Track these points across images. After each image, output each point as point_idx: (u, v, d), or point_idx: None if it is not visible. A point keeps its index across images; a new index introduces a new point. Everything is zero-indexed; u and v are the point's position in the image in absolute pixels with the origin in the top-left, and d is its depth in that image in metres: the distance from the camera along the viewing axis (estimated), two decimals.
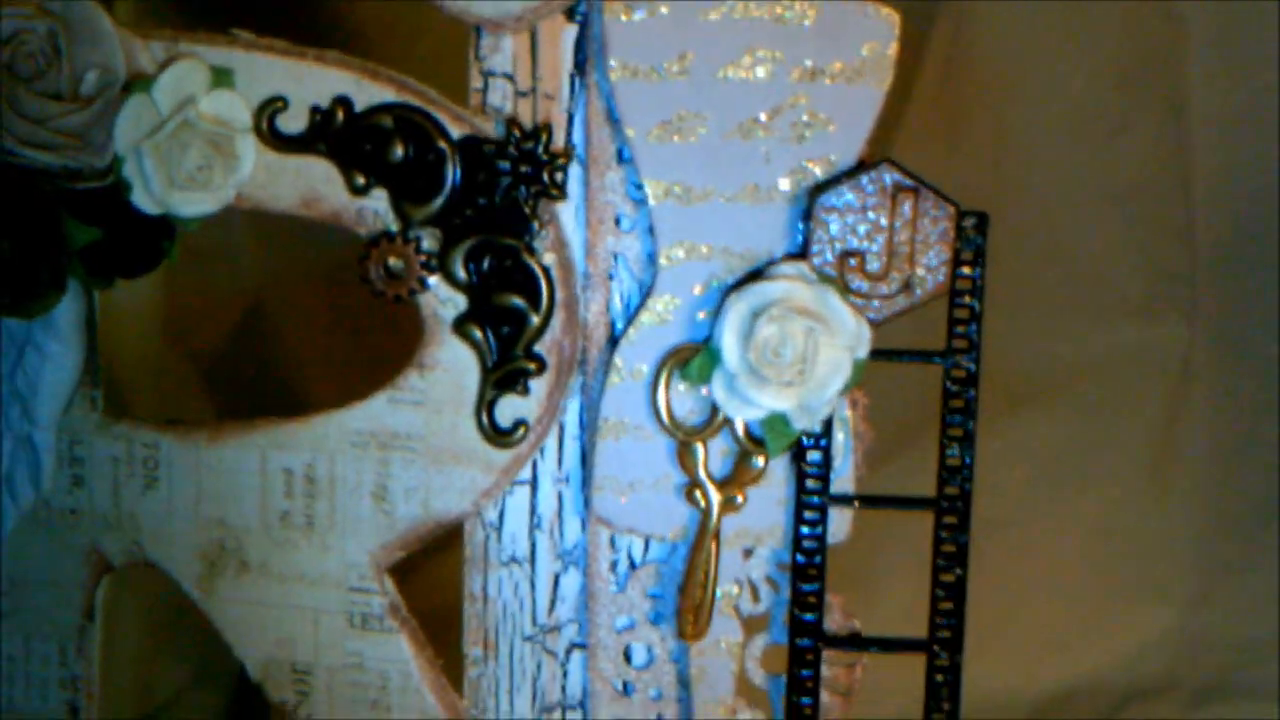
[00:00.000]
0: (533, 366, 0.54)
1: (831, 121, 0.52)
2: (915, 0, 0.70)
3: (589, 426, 0.55)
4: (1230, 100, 0.87)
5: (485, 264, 0.54)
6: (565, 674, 0.58)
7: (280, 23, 0.56)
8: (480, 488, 0.56)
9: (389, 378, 0.56)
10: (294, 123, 0.54)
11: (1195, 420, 0.91)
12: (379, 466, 0.56)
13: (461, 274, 0.54)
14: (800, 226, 0.52)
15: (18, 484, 0.58)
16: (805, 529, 0.53)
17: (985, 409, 0.56)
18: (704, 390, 0.53)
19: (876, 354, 0.52)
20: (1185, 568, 0.91)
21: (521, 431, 0.55)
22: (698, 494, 0.53)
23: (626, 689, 0.57)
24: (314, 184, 0.54)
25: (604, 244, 0.54)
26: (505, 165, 0.53)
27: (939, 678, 0.54)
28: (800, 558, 0.54)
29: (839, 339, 0.50)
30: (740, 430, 0.53)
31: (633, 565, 0.56)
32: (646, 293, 0.53)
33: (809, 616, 0.54)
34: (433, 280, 0.54)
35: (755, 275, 0.52)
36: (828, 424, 0.53)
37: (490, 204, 0.53)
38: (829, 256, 0.52)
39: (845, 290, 0.51)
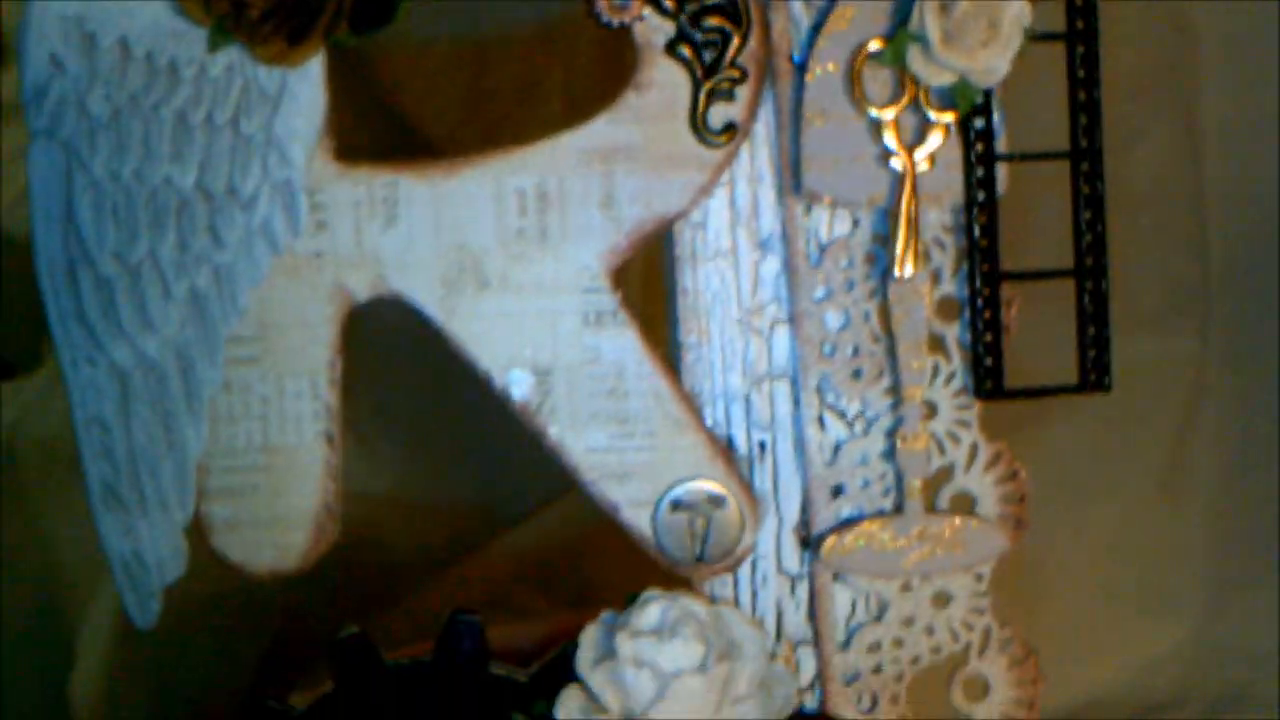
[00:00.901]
0: (737, 74, 0.64)
1: None
2: None
3: (793, 117, 0.65)
4: (1242, 112, 0.89)
5: None
6: (770, 348, 0.67)
7: None
8: (697, 184, 0.65)
9: (606, 103, 0.65)
10: None
11: (1207, 434, 0.93)
12: (604, 180, 0.65)
13: (669, 4, 0.64)
14: None
15: (276, 230, 0.63)
16: (978, 185, 0.65)
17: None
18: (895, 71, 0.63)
19: None
20: (1197, 581, 0.93)
21: (732, 132, 0.64)
22: (893, 161, 0.64)
23: (824, 351, 0.67)
24: None
25: None
26: None
27: (1087, 300, 0.66)
28: (975, 209, 0.65)
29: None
30: (923, 102, 0.64)
31: (821, 246, 0.67)
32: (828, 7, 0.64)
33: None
34: (646, 11, 0.63)
35: None
36: (988, 94, 0.64)
37: None
38: None
39: None
